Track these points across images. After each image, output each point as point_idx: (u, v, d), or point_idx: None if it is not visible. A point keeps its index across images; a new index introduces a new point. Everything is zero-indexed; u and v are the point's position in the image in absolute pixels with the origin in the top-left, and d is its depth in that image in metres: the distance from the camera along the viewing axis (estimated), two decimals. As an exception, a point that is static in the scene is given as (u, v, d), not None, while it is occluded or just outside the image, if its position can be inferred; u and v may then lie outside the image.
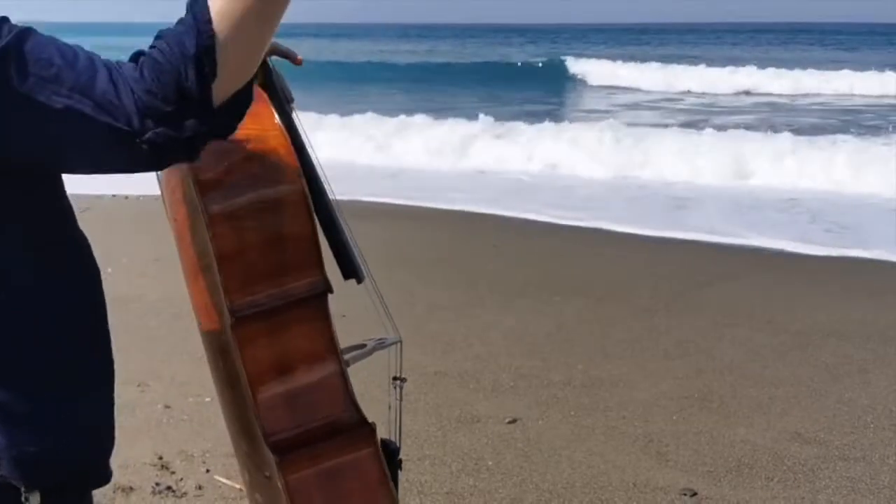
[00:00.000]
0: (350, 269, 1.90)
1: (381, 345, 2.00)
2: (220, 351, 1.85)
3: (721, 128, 15.56)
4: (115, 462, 3.78)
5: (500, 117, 15.93)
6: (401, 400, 2.01)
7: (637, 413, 4.74)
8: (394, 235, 8.29)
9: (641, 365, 5.46)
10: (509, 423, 4.56)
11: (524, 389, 5.00)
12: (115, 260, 7.05)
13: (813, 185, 11.32)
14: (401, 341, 2.00)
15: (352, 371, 1.91)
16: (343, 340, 1.88)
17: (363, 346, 1.98)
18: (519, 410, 4.70)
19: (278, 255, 1.70)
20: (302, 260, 1.72)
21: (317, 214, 1.89)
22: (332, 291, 1.75)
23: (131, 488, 3.66)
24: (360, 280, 1.92)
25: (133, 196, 9.05)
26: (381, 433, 1.95)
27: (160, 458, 3.97)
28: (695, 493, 3.87)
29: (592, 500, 3.80)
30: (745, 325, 6.33)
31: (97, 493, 1.55)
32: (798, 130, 15.91)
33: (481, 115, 15.22)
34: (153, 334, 5.49)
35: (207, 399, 4.67)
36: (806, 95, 24.40)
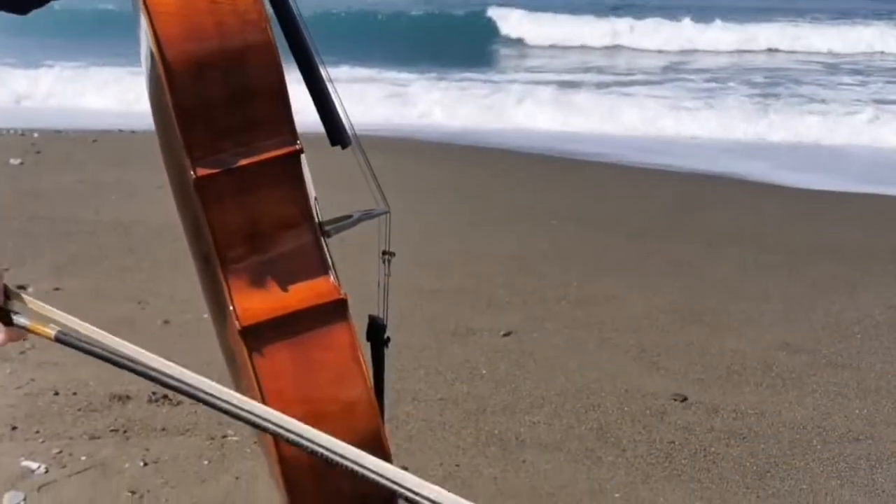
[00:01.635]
0: (335, 135, 1.73)
1: (368, 215, 1.83)
2: (192, 222, 1.70)
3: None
4: (111, 372, 3.65)
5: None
6: (388, 275, 1.85)
7: (629, 326, 4.61)
8: (392, 165, 8.11)
9: (635, 282, 5.32)
10: (504, 335, 4.43)
11: (519, 305, 4.86)
12: (120, 188, 6.90)
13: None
14: (388, 212, 1.83)
15: (338, 248, 1.76)
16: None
17: (349, 217, 1.80)
18: (514, 324, 4.57)
19: (246, 111, 1.53)
20: (272, 117, 1.54)
21: (304, 77, 1.72)
22: (303, 152, 1.58)
23: (128, 397, 3.54)
24: (344, 146, 1.75)
25: (139, 131, 8.86)
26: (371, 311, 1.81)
27: (158, 368, 3.85)
28: (685, 399, 3.75)
29: (584, 406, 3.68)
30: (736, 247, 6.18)
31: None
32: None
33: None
34: (154, 256, 5.34)
35: (205, 316, 4.54)
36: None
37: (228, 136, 1.52)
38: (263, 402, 1.53)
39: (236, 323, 1.53)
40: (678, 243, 6.23)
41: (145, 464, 3.10)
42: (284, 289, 1.60)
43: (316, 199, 1.71)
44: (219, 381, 3.71)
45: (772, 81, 14.59)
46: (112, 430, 3.30)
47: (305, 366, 1.58)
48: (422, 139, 9.68)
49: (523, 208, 7.12)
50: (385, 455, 1.58)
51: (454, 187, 7.68)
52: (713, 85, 14.12)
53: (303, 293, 1.61)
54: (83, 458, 3.09)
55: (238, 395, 1.33)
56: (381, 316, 1.80)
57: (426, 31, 19.35)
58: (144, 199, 6.45)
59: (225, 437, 3.34)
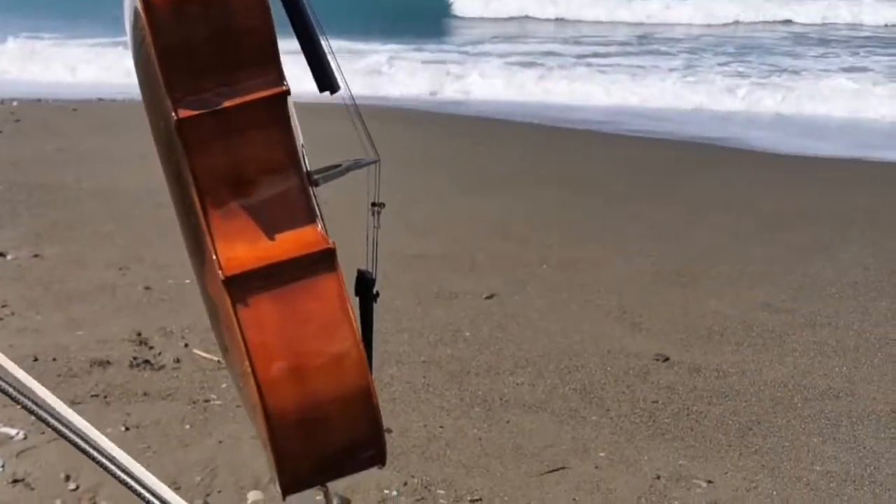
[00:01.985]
0: (324, 80, 1.63)
1: (357, 164, 1.72)
2: (175, 174, 1.59)
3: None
4: (91, 338, 3.55)
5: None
6: (378, 227, 1.75)
7: (611, 288, 4.54)
8: (373, 135, 7.97)
9: (617, 246, 5.25)
10: (487, 298, 4.35)
11: (502, 269, 4.79)
12: (101, 156, 6.75)
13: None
14: (379, 161, 1.72)
15: (327, 200, 1.67)
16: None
17: (337, 165, 1.70)
18: (496, 287, 4.50)
19: (230, 50, 1.42)
20: (258, 57, 1.44)
21: (290, 17, 1.61)
22: (290, 93, 1.47)
23: (108, 362, 3.45)
24: (333, 91, 1.64)
25: (121, 100, 8.67)
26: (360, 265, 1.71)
27: (139, 334, 3.75)
28: (667, 359, 3.70)
29: (567, 367, 3.62)
30: (717, 211, 6.13)
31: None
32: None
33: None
34: (136, 223, 5.22)
35: (187, 281, 4.44)
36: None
37: (212, 76, 1.42)
38: (248, 356, 1.45)
39: (219, 273, 1.44)
40: (659, 208, 6.17)
41: (126, 429, 3.01)
42: (270, 238, 1.51)
43: (303, 146, 1.61)
44: (201, 344, 3.62)
45: (743, 52, 14.52)
46: (93, 396, 3.21)
47: (291, 317, 1.48)
48: (396, 108, 9.54)
49: (504, 174, 7.03)
50: (374, 411, 1.50)
51: (433, 155, 7.58)
52: (690, 56, 14.06)
53: (289, 242, 1.52)
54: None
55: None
56: (369, 270, 1.71)
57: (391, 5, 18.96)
58: (126, 167, 6.31)
59: (208, 401, 3.25)
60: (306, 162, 1.62)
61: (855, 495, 2.72)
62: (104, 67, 10.70)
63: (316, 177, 1.60)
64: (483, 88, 11.09)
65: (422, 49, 13.72)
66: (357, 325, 1.55)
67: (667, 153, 8.17)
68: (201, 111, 1.43)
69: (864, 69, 12.85)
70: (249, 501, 2.65)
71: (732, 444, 3.03)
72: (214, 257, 1.48)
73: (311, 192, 1.57)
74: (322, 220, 1.55)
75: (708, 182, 7.00)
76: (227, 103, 1.45)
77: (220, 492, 2.69)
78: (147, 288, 4.29)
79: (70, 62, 11.23)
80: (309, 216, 1.54)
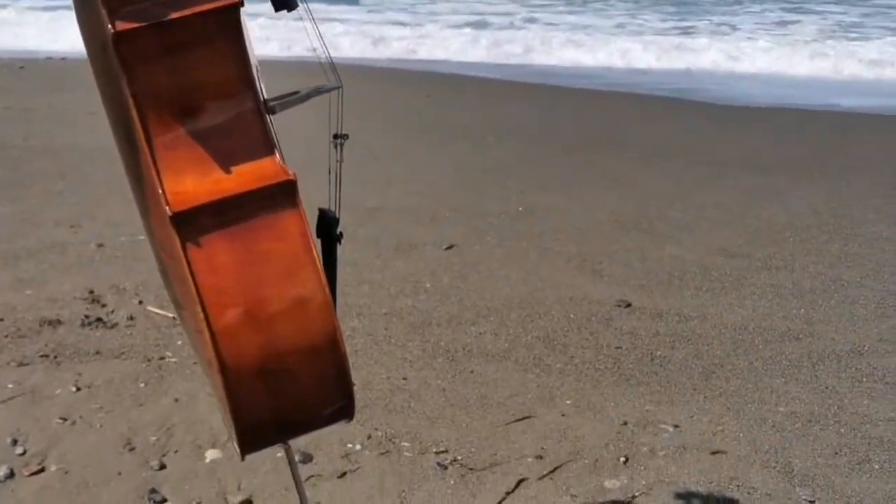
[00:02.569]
0: None
1: (318, 91, 1.51)
2: (116, 105, 1.38)
3: None
4: (41, 296, 3.30)
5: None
6: (341, 161, 1.55)
7: (570, 236, 4.40)
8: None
9: (573, 195, 5.10)
10: (446, 249, 4.18)
11: (461, 219, 4.61)
12: (49, 114, 6.39)
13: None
14: (341, 87, 1.52)
15: (285, 129, 1.47)
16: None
17: (296, 92, 1.49)
18: (456, 238, 4.32)
19: None
20: None
21: None
22: (243, 4, 1.26)
23: (59, 321, 3.21)
24: (291, 9, 1.43)
25: (69, 59, 8.25)
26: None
27: (91, 291, 3.51)
28: (629, 305, 3.57)
29: (530, 315, 3.47)
30: (669, 160, 6.01)
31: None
32: None
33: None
34: (88, 180, 4.93)
35: (141, 237, 4.18)
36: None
37: None
38: (200, 302, 1.25)
39: (166, 209, 1.24)
40: (613, 157, 6.04)
41: (78, 389, 2.79)
42: (223, 169, 1.30)
43: (258, 69, 1.39)
44: (155, 301, 3.39)
45: (687, 8, 14.36)
46: (42, 356, 2.98)
47: (249, 258, 1.29)
48: (346, 61, 9.23)
49: (459, 127, 6.83)
50: (342, 360, 1.32)
51: (387, 109, 7.33)
52: (635, 12, 13.88)
53: (244, 175, 1.31)
54: (10, 385, 2.78)
55: None
56: (331, 209, 1.51)
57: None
58: (75, 125, 5.98)
59: (163, 358, 3.05)
60: (262, 88, 1.41)
61: (821, 435, 2.62)
62: (51, 30, 10.20)
63: (273, 104, 1.39)
64: (433, 46, 10.82)
65: (371, 9, 13.34)
66: (321, 266, 1.35)
67: (616, 106, 8.04)
68: (141, 23, 1.22)
69: (798, 23, 12.82)
70: (207, 460, 2.47)
71: (697, 388, 2.91)
72: (160, 191, 1.27)
73: (269, 120, 1.37)
74: (280, 151, 1.35)
75: (656, 133, 6.88)
76: (172, 14, 1.23)
77: (176, 452, 2.50)
78: (100, 245, 4.03)
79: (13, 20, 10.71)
80: (266, 146, 1.33)
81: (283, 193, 1.30)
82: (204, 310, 1.25)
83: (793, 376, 3.00)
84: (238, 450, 1.36)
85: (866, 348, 3.20)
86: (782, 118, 7.54)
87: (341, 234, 1.48)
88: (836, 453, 2.52)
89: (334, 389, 1.32)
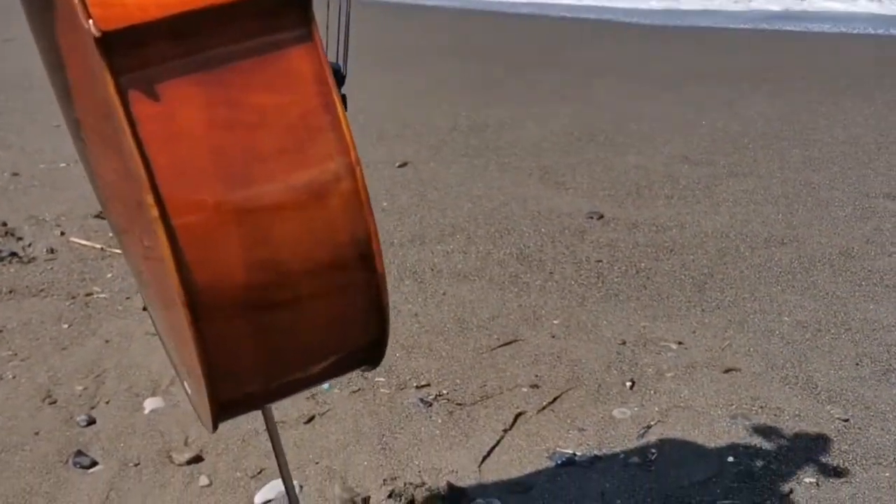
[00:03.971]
0: None
1: None
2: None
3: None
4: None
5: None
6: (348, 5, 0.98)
7: (528, 150, 3.89)
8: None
9: (523, 110, 4.58)
10: (399, 166, 3.63)
11: (411, 136, 4.06)
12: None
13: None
14: None
15: None
16: None
17: None
18: (408, 155, 3.78)
19: None
20: None
21: None
22: None
23: (-36, 257, 2.59)
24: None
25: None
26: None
27: (3, 224, 2.87)
28: (601, 216, 3.10)
29: (499, 231, 2.97)
30: (612, 77, 5.52)
31: None
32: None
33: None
34: (4, 107, 4.19)
35: (62, 164, 3.52)
36: None
37: None
38: (152, 190, 0.71)
39: (92, 30, 0.68)
40: (558, 75, 5.52)
41: (-14, 334, 2.20)
42: None
43: None
44: (80, 232, 2.76)
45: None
46: (-57, 298, 2.37)
47: (230, 118, 0.74)
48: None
49: (395, 49, 6.20)
50: (377, 279, 0.80)
51: (323, 30, 6.62)
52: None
53: None
54: None
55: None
56: (338, 63, 0.95)
57: None
58: (-13, 51, 5.16)
59: (90, 294, 2.46)
60: None
61: (835, 345, 2.21)
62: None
63: None
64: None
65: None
66: (349, 131, 0.80)
67: (553, 27, 7.49)
68: None
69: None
70: (147, 411, 1.92)
71: (692, 301, 2.47)
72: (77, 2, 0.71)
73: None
74: None
75: (596, 52, 6.37)
76: None
77: (108, 403, 1.94)
78: (14, 174, 3.37)
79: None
80: None
81: (288, 9, 0.75)
82: (158, 201, 0.70)
83: (788, 283, 2.58)
84: (209, 420, 0.83)
85: (855, 251, 2.81)
86: (718, 37, 7.11)
87: (345, 96, 0.93)
88: (858, 364, 2.11)
89: (360, 326, 0.81)
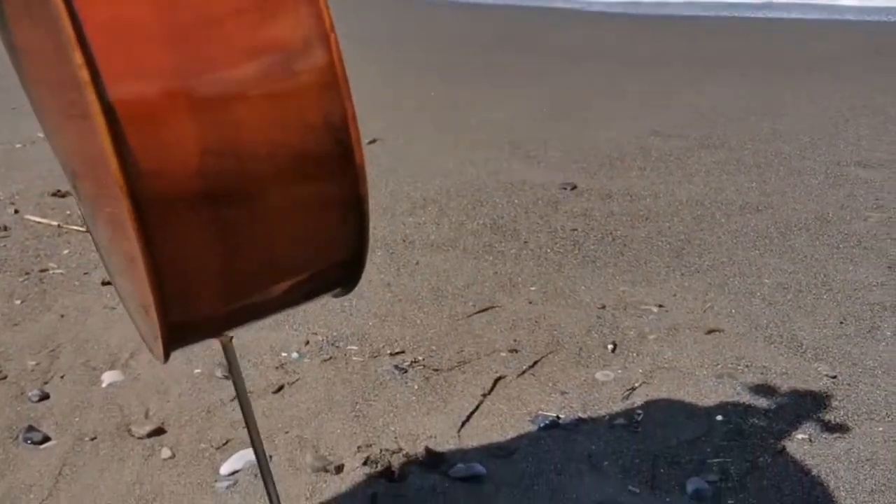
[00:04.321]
0: None
1: None
2: None
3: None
4: None
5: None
6: None
7: (498, 127, 3.79)
8: None
9: (493, 90, 4.48)
10: (369, 143, 3.51)
11: (379, 114, 3.92)
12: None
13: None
14: None
15: None
16: None
17: None
18: (377, 132, 3.65)
19: None
20: None
21: None
22: None
23: None
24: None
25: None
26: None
27: (-47, 201, 2.70)
28: (574, 187, 3.00)
29: (471, 203, 2.86)
30: (581, 60, 5.43)
31: None
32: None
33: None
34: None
35: (18, 145, 3.35)
36: None
37: None
38: (82, 54, 0.58)
39: None
40: (527, 58, 5.42)
41: (-69, 311, 2.04)
42: None
43: None
44: (36, 209, 2.60)
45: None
46: None
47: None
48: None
49: (368, 29, 6.06)
50: (354, 169, 0.68)
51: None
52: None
53: None
54: None
55: None
56: None
57: None
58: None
59: (45, 270, 2.30)
60: None
61: (818, 305, 2.13)
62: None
63: None
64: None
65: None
66: None
67: (521, 15, 7.41)
68: None
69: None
70: (104, 385, 1.78)
71: (671, 266, 2.38)
72: None
73: None
74: None
75: (563, 37, 6.30)
76: None
77: (62, 377, 1.80)
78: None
79: None
80: None
81: None
82: (89, 61, 0.57)
83: (766, 247, 2.50)
84: (159, 346, 0.71)
85: (831, 216, 2.74)
86: (680, 24, 7.07)
87: None
88: (842, 323, 2.04)
89: (335, 233, 0.69)
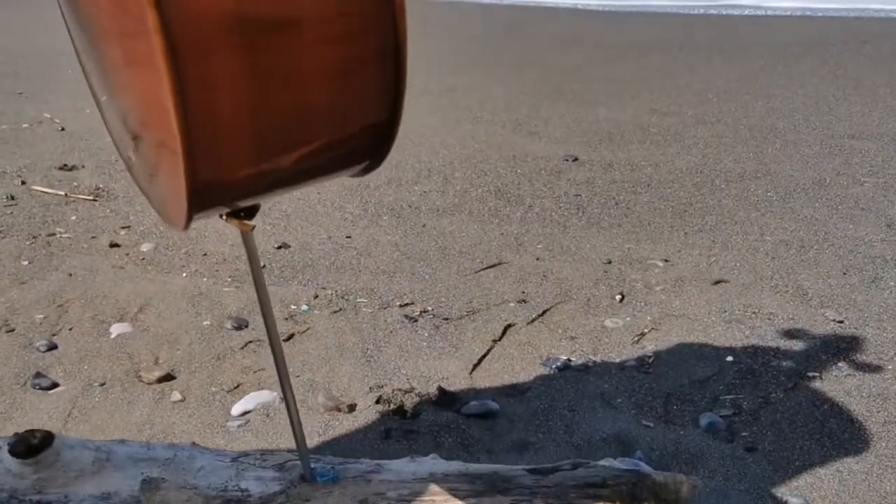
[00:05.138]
0: None
1: None
2: None
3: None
4: None
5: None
6: None
7: (499, 106, 3.74)
8: None
9: (491, 74, 4.44)
10: (371, 121, 3.46)
11: (381, 98, 3.88)
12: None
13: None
14: None
15: None
16: None
17: None
18: (379, 112, 3.60)
19: None
20: None
21: None
22: None
23: (-82, 200, 2.35)
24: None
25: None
26: None
27: (-39, 172, 2.64)
28: (576, 158, 2.96)
29: (475, 172, 2.81)
30: (575, 46, 5.40)
31: None
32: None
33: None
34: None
35: (25, 125, 3.29)
36: None
37: None
38: None
39: None
40: (522, 45, 5.39)
41: (-61, 269, 1.97)
42: None
43: None
44: (42, 181, 2.54)
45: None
46: None
47: None
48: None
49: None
50: (397, 19, 0.62)
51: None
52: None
53: None
54: None
55: None
56: None
57: None
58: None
59: (52, 235, 2.24)
60: None
61: (820, 258, 2.08)
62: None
63: None
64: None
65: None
66: None
67: (514, 10, 7.37)
68: None
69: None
70: (113, 336, 1.72)
71: (674, 226, 2.33)
72: None
73: None
74: None
75: (554, 28, 6.27)
76: None
77: (70, 329, 1.74)
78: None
79: None
80: None
81: None
82: None
83: (767, 209, 2.46)
84: (182, 209, 0.65)
85: (828, 181, 2.69)
86: (675, 16, 7.04)
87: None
88: (845, 274, 1.99)
89: (371, 89, 0.63)
